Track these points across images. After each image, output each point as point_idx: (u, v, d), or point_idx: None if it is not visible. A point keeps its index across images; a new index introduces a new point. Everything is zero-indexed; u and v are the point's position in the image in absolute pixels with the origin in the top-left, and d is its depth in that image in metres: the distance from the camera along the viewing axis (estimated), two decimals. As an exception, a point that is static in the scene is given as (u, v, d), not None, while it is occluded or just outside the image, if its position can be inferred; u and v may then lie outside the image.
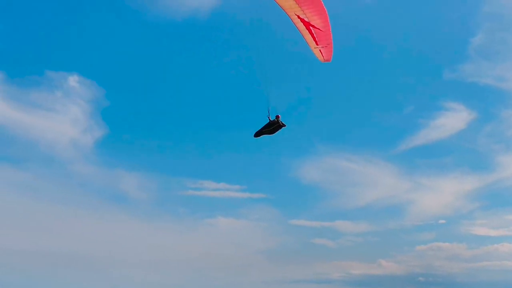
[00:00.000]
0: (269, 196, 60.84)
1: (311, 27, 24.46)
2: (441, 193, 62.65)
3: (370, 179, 62.95)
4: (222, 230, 59.19)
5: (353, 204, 61.80)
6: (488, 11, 65.76)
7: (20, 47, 59.47)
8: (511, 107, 64.21)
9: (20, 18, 59.70)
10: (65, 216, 53.74)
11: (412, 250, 58.82)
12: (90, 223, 54.76)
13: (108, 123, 59.13)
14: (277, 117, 25.38)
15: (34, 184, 53.81)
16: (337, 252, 59.79)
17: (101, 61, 61.19)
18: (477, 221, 60.24)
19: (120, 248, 55.30)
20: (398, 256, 59.55)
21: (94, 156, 58.33)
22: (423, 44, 68.11)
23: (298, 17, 24.13)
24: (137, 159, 60.43)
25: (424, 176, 63.16)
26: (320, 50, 25.19)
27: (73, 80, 58.35)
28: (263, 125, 25.37)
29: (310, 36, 24.71)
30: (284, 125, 25.36)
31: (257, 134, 25.44)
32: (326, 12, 24.01)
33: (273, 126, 25.28)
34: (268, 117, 25.36)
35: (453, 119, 63.45)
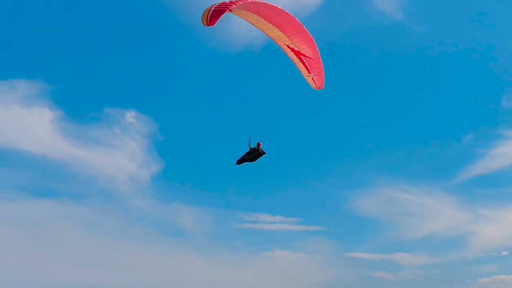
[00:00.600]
0: (326, 228, 60.51)
1: (301, 56, 25.08)
2: (503, 224, 59.33)
3: (428, 210, 61.03)
4: (278, 263, 59.20)
5: (412, 236, 60.04)
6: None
7: (79, 85, 62.50)
8: None
9: (79, 58, 63.19)
10: (123, 250, 55.84)
11: (475, 283, 55.92)
12: (148, 256, 56.54)
13: (164, 158, 60.57)
14: (258, 144, 25.96)
15: (93, 219, 56.15)
16: (397, 285, 57.94)
17: (157, 97, 63.67)
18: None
19: (177, 281, 56.50)
20: (460, 289, 56.90)
21: (151, 191, 59.81)
22: (480, 71, 66.02)
23: (288, 46, 24.85)
24: (193, 193, 61.44)
25: (484, 206, 60.15)
26: (312, 78, 25.70)
27: (130, 116, 60.50)
28: (244, 153, 25.93)
29: (301, 64, 25.31)
30: (264, 153, 25.82)
31: (239, 162, 26.09)
32: (314, 41, 24.59)
33: (253, 154, 25.86)
34: (249, 145, 25.91)
35: (513, 148, 60.75)
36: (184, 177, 62.58)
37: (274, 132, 64.58)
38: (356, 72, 66.40)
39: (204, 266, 57.82)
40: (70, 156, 57.21)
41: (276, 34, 24.38)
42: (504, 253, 57.66)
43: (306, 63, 25.23)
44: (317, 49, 24.79)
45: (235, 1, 21.54)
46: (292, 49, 24.91)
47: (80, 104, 61.87)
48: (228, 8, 21.24)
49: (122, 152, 59.51)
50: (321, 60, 25.04)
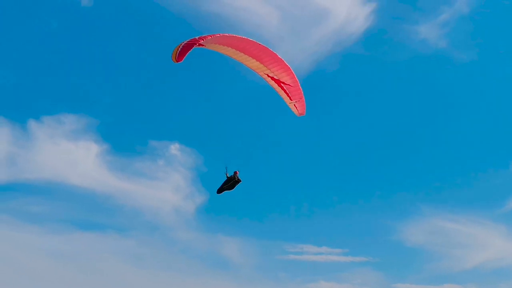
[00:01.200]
0: (372, 259, 59.35)
1: (282, 84, 25.91)
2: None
3: (477, 240, 58.47)
4: (324, 295, 58.54)
5: (460, 266, 57.50)
6: None
7: (124, 119, 64.27)
8: None
9: (124, 92, 65.37)
10: (168, 282, 56.74)
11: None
12: (193, 288, 57.56)
13: (208, 189, 60.74)
14: (235, 173, 26.59)
15: (138, 251, 57.43)
16: (446, 317, 55.65)
17: (200, 129, 64.96)
18: None
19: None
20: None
21: (196, 222, 60.47)
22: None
23: (268, 75, 25.76)
24: (237, 224, 61.74)
25: (537, 236, 56.84)
26: (294, 104, 26.39)
27: (174, 148, 61.54)
28: (223, 182, 26.60)
29: (283, 92, 26.11)
30: (239, 181, 26.32)
31: (219, 191, 26.68)
32: (291, 69, 25.40)
33: (230, 182, 26.45)
34: (226, 174, 26.64)
35: None
36: (228, 208, 63.16)
37: (319, 162, 65.01)
38: (402, 101, 66.44)
39: (249, 298, 58.05)
40: (115, 189, 58.57)
41: (255, 64, 25.38)
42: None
43: (287, 90, 26.01)
44: (295, 76, 25.56)
45: (204, 36, 22.78)
46: (272, 78, 25.80)
47: (125, 138, 63.37)
48: (196, 43, 22.38)
49: (166, 184, 60.63)
50: (300, 87, 25.75)
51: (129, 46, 67.09)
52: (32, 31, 64.86)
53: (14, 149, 57.90)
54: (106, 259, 56.10)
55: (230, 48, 24.44)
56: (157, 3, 64.02)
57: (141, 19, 65.75)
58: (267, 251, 60.28)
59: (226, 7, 63.12)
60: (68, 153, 59.23)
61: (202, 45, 23.14)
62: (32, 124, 58.60)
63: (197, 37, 22.79)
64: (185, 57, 22.25)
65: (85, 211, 57.91)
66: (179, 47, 22.39)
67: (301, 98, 26.07)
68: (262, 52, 24.80)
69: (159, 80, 66.57)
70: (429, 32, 64.34)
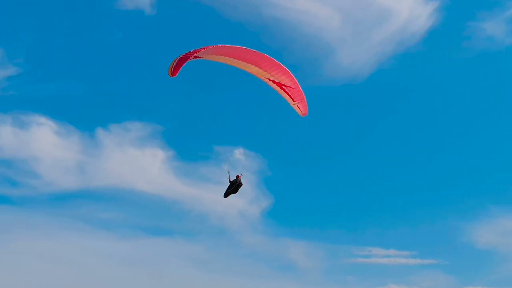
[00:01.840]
0: (441, 262, 58.27)
1: (283, 87, 26.77)
2: None
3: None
4: (393, 298, 57.74)
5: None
6: None
7: (188, 125, 65.07)
8: None
9: (188, 99, 66.70)
10: (235, 286, 58.18)
11: None
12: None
13: (273, 193, 61.81)
14: (238, 177, 27.40)
15: (205, 256, 59.06)
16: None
17: (264, 134, 65.28)
18: None
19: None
20: None
21: (261, 226, 61.29)
22: None
23: (269, 79, 26.71)
24: (303, 227, 62.31)
25: None
26: (297, 105, 27.12)
27: (238, 153, 63.47)
28: (228, 186, 27.48)
29: (286, 94, 26.96)
30: (241, 184, 27.14)
31: (225, 195, 27.57)
32: (289, 71, 26.21)
33: (234, 186, 27.29)
34: (228, 178, 27.47)
35: None
36: (294, 212, 63.86)
37: (387, 165, 64.02)
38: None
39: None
40: (182, 194, 60.18)
41: (255, 70, 26.41)
42: None
43: (289, 92, 26.84)
44: (295, 78, 26.36)
45: (199, 49, 24.18)
46: (274, 81, 26.70)
47: (189, 143, 64.71)
48: (191, 56, 23.80)
49: (231, 189, 62.35)
50: (300, 88, 26.51)
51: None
52: (98, 43, 68.43)
53: (84, 158, 60.85)
54: (175, 264, 58.30)
55: (229, 58, 25.59)
56: (218, 13, 65.36)
57: (202, 26, 66.99)
58: (334, 254, 60.59)
59: (287, 11, 64.35)
60: (135, 160, 61.26)
61: (198, 57, 24.56)
62: (100, 132, 61.36)
63: (191, 51, 24.25)
64: (179, 70, 23.79)
65: (153, 217, 59.94)
66: (175, 61, 23.87)
67: (303, 99, 26.79)
68: (259, 58, 25.80)
69: (222, 86, 68.37)
70: (495, 28, 62.02)
